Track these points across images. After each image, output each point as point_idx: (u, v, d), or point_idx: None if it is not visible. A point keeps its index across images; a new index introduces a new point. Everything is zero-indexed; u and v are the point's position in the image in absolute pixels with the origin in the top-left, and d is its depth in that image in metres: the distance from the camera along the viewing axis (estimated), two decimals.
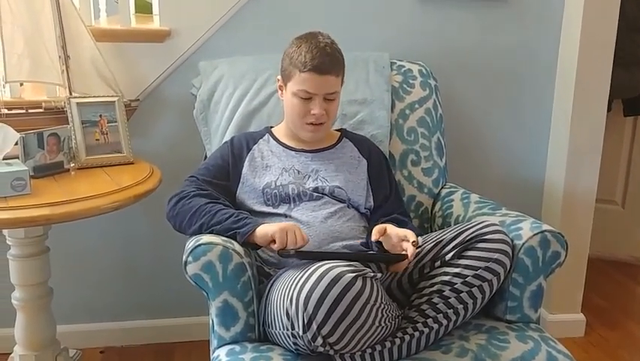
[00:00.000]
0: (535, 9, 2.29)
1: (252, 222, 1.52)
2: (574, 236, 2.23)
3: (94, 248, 2.23)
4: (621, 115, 2.93)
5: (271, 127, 1.83)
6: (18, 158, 1.69)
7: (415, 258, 1.52)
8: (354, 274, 1.26)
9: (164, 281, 2.27)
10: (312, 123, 1.67)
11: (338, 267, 1.27)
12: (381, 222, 1.62)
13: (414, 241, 1.48)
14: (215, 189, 1.66)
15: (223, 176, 1.71)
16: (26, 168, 1.59)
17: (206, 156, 1.98)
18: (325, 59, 1.62)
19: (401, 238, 1.52)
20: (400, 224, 1.62)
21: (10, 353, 1.88)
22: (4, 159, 1.69)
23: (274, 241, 1.46)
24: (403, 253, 1.49)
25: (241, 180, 1.71)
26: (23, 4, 1.84)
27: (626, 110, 2.92)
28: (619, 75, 2.45)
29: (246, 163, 1.72)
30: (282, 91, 1.73)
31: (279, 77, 1.72)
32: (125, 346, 2.30)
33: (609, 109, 2.40)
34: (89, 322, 2.27)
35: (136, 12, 2.63)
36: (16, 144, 1.69)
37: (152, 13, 2.74)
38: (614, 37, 2.24)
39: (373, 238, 1.54)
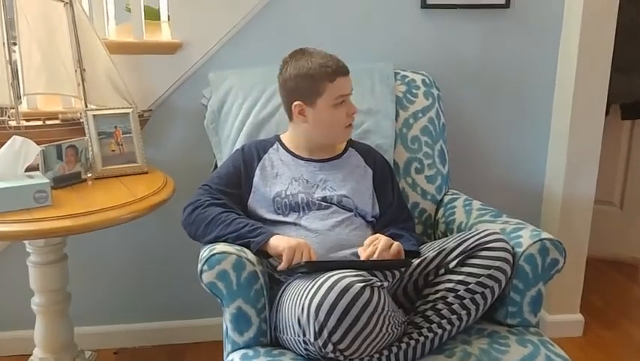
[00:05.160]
0: (535, 18, 2.34)
1: (266, 231, 1.59)
2: (572, 239, 2.30)
3: (109, 254, 2.29)
4: (619, 117, 2.95)
5: (279, 135, 1.89)
6: (38, 169, 1.75)
7: (419, 266, 1.59)
8: (363, 284, 1.32)
9: (175, 284, 2.34)
10: (349, 124, 1.77)
11: (347, 277, 1.33)
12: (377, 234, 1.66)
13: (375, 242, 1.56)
14: (228, 197, 1.72)
15: (235, 184, 1.76)
16: (48, 181, 1.65)
17: (216, 165, 2.04)
18: (339, 61, 1.72)
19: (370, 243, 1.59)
20: (395, 239, 1.64)
21: (30, 355, 1.95)
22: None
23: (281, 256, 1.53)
24: (406, 258, 1.56)
25: (252, 188, 1.76)
26: (40, 20, 1.90)
27: (624, 114, 2.94)
28: (617, 81, 2.49)
29: (258, 172, 1.77)
30: (304, 116, 1.74)
31: (298, 102, 1.73)
32: (138, 347, 2.37)
33: (607, 113, 2.43)
34: (104, 324, 2.34)
35: (145, 19, 2.69)
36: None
37: (159, 19, 2.80)
38: (611, 44, 2.27)
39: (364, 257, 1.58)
